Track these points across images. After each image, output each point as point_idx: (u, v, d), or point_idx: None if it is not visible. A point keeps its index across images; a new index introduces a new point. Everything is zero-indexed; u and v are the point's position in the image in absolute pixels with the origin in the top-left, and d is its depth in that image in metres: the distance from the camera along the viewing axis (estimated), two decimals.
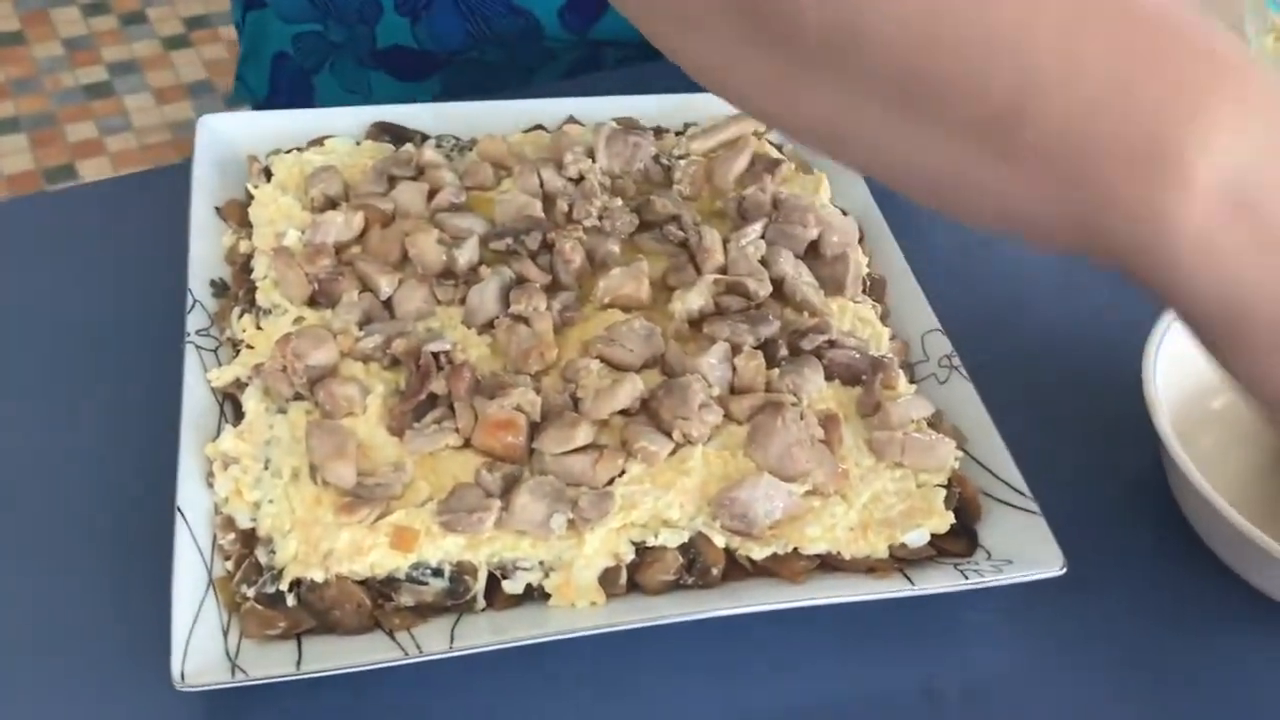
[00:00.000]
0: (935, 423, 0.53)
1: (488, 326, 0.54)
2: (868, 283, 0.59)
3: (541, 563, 0.47)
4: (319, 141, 0.63)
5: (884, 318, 0.58)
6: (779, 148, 0.66)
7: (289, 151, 0.62)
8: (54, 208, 0.70)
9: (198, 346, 0.52)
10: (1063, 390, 0.60)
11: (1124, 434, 0.56)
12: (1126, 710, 0.49)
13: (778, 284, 0.56)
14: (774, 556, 0.48)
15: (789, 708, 0.47)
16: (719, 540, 0.48)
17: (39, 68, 2.47)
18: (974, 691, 0.48)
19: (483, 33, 0.71)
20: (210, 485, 0.48)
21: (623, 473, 0.49)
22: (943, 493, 0.50)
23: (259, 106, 0.81)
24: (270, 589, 0.45)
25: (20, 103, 2.38)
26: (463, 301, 0.54)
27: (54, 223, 0.64)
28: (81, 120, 2.38)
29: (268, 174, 0.60)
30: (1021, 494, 0.51)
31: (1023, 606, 0.51)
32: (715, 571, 0.48)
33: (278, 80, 0.79)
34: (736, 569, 0.48)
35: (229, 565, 0.46)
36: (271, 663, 0.44)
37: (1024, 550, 0.49)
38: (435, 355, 0.50)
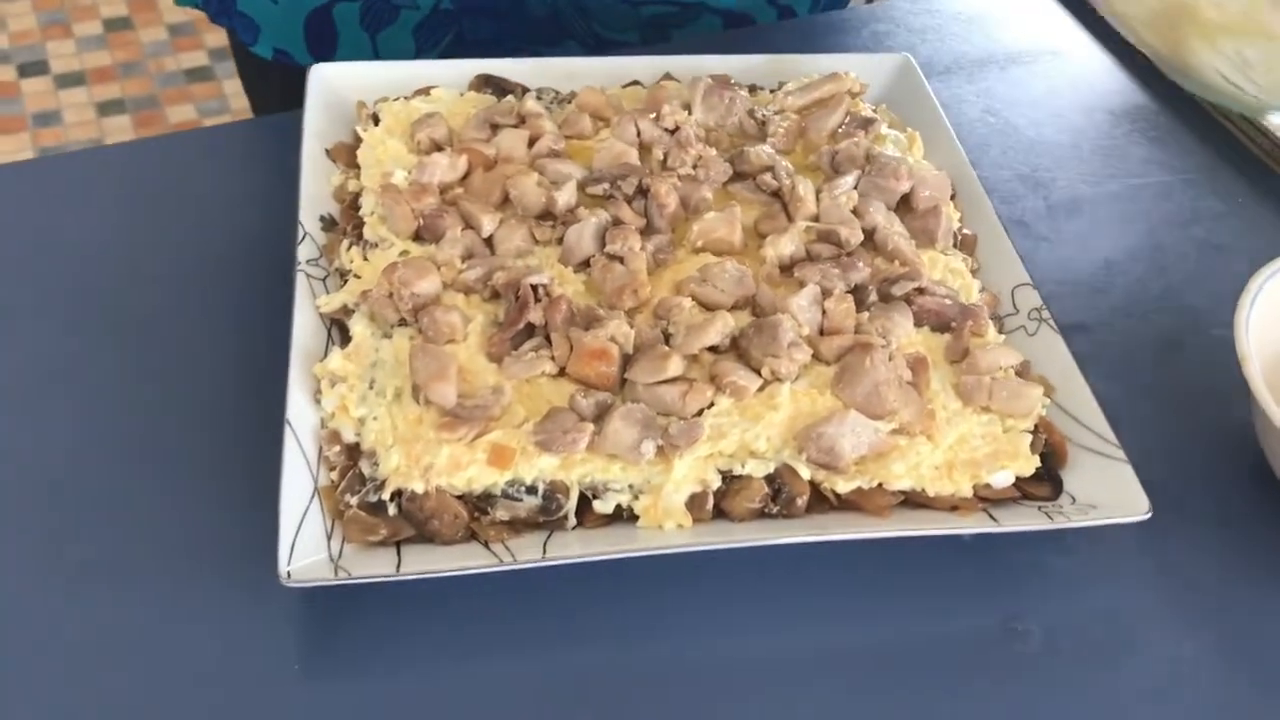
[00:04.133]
0: (1023, 371, 0.54)
1: (584, 265, 0.55)
2: (959, 238, 0.60)
3: (631, 486, 0.48)
4: (424, 91, 0.65)
5: (975, 272, 0.59)
6: (874, 108, 0.66)
7: (396, 100, 0.64)
8: (176, 148, 0.73)
9: (307, 275, 0.55)
10: (1152, 350, 0.60)
11: (1212, 393, 0.57)
12: (1208, 659, 0.49)
13: (869, 234, 0.57)
14: (859, 491, 0.49)
15: (870, 642, 0.48)
16: (804, 472, 0.49)
17: (144, 52, 2.55)
18: (1056, 633, 0.49)
19: None
20: (318, 402, 0.50)
21: (711, 405, 0.50)
22: (1029, 437, 0.51)
23: (201, 9, 0.82)
24: (372, 498, 0.47)
25: (126, 85, 2.47)
26: (560, 241, 0.56)
27: (176, 162, 0.67)
28: (182, 103, 2.45)
29: (375, 119, 0.63)
30: (1108, 441, 0.51)
31: (1106, 554, 0.52)
32: (800, 502, 0.49)
33: None
34: (821, 502, 0.49)
35: (334, 476, 0.48)
36: (373, 566, 0.45)
37: (1109, 496, 0.50)
38: (534, 288, 0.52)
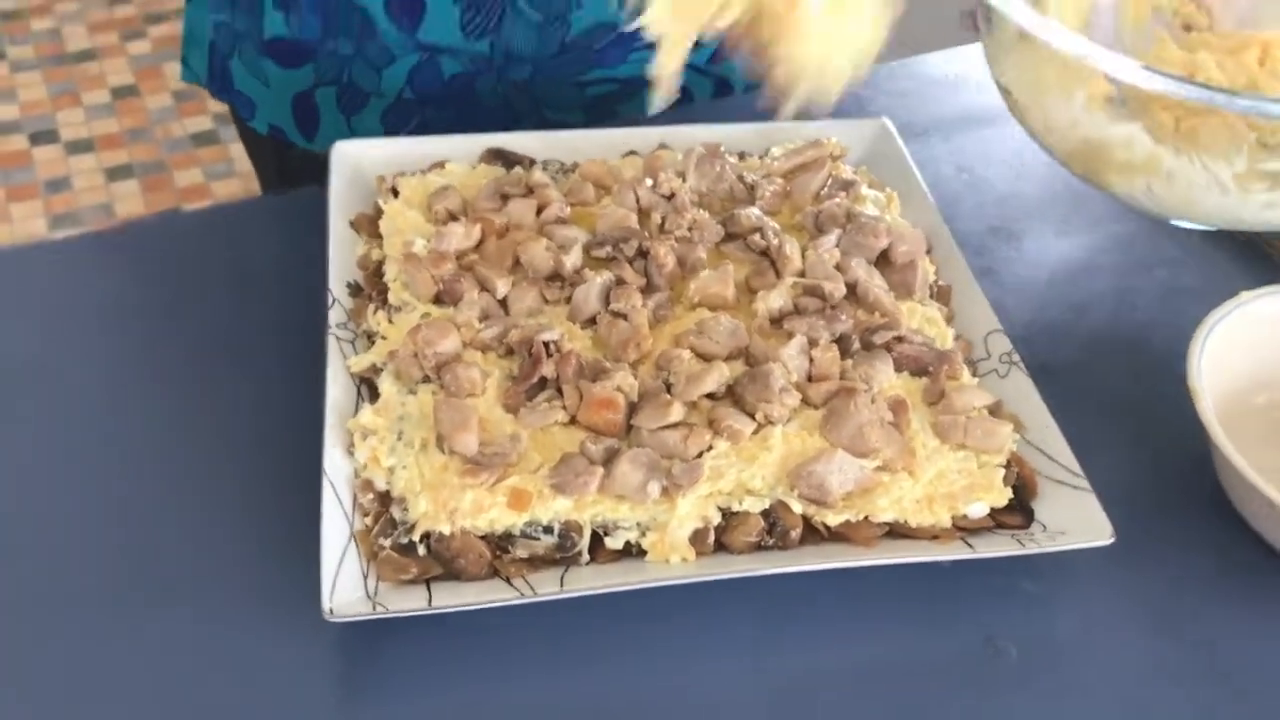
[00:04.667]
0: (995, 410, 0.58)
1: (590, 322, 0.60)
2: (934, 289, 0.65)
3: (639, 524, 0.53)
4: (439, 165, 0.70)
5: (949, 320, 0.64)
6: (854, 170, 0.72)
7: (413, 174, 0.69)
8: (200, 223, 0.78)
9: (338, 338, 0.60)
10: (1117, 388, 0.65)
11: (1173, 428, 0.61)
12: (1173, 671, 0.53)
13: (851, 287, 0.62)
14: (847, 523, 0.54)
15: (858, 661, 0.53)
16: (797, 507, 0.53)
17: (151, 118, 2.62)
18: (1032, 649, 0.53)
19: (332, 24, 0.79)
20: (351, 454, 0.55)
21: (710, 448, 0.55)
22: (1001, 471, 0.56)
23: (204, 87, 0.89)
24: (404, 540, 0.52)
25: (133, 150, 2.53)
26: (569, 300, 0.61)
27: (202, 236, 0.73)
28: (189, 167, 2.52)
29: (395, 192, 0.68)
30: (1074, 473, 0.56)
31: (1077, 579, 0.56)
32: (794, 535, 0.53)
33: (212, 64, 0.87)
34: (813, 534, 0.54)
35: (368, 521, 0.53)
36: (406, 602, 0.50)
37: (1076, 523, 0.54)
38: (546, 344, 0.57)
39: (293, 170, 0.87)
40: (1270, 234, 0.73)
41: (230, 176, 2.48)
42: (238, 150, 2.72)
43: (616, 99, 0.85)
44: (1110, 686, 0.52)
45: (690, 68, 0.84)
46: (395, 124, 0.84)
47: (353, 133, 0.85)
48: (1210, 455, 0.58)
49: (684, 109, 0.84)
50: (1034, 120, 0.67)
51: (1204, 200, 0.60)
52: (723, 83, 0.89)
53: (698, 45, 0.82)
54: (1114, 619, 0.55)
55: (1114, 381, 0.65)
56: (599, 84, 0.83)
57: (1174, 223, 0.67)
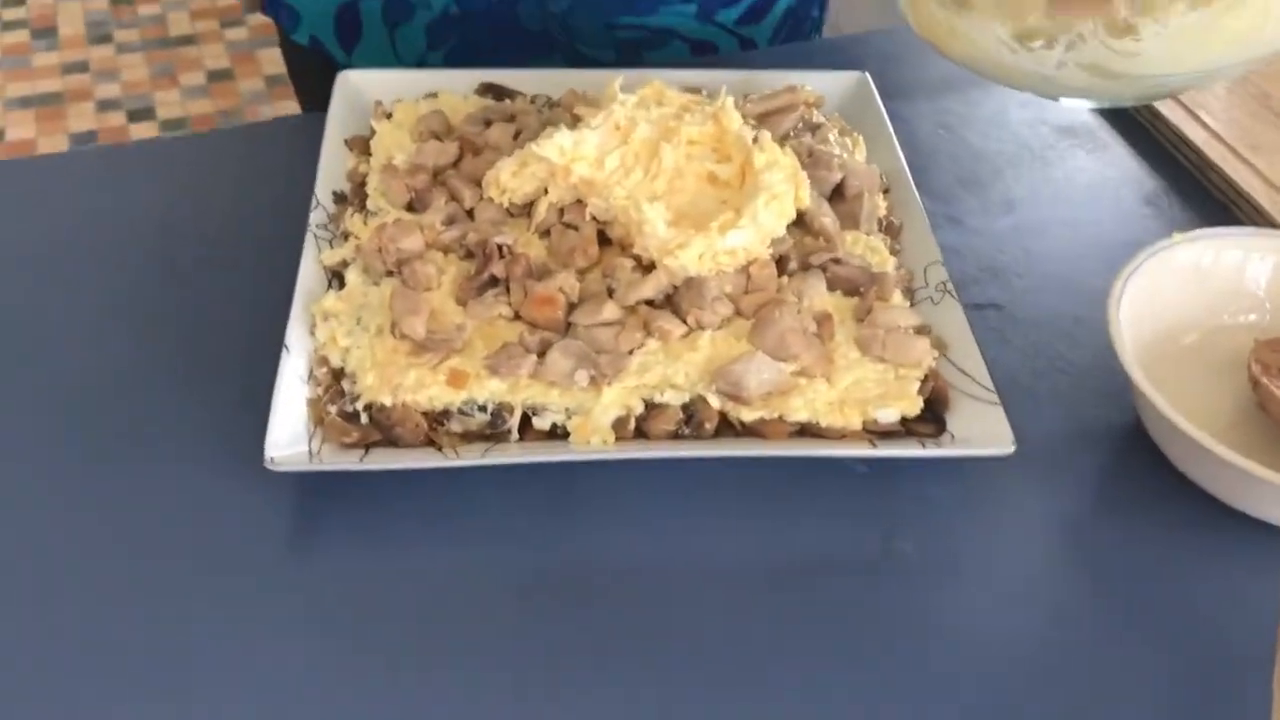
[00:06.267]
0: (922, 331, 0.61)
1: (546, 234, 0.65)
2: (884, 223, 0.68)
3: (566, 408, 0.57)
4: (434, 95, 0.75)
5: (896, 253, 0.67)
6: (827, 117, 0.75)
7: (408, 101, 0.74)
8: (220, 141, 0.85)
9: (316, 236, 0.65)
10: (1058, 325, 0.67)
11: (1105, 365, 0.63)
12: (1064, 573, 0.56)
13: (800, 215, 0.66)
14: (761, 421, 0.57)
15: (758, 550, 0.56)
16: (715, 402, 0.57)
17: (243, 101, 2.74)
18: (928, 549, 0.56)
19: None
20: (313, 333, 0.60)
21: (641, 345, 0.59)
22: (917, 383, 0.59)
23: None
24: (349, 409, 0.57)
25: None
26: (530, 215, 0.65)
27: (222, 152, 0.79)
28: None
29: (388, 116, 0.73)
30: (987, 389, 0.58)
31: (986, 490, 0.59)
32: (709, 427, 0.57)
33: None
34: (729, 429, 0.57)
35: (320, 391, 0.58)
36: (343, 460, 0.55)
37: (983, 433, 0.57)
38: (499, 246, 0.61)
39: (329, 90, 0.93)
40: (1227, 186, 0.75)
41: None
42: None
43: (645, 45, 0.89)
44: (1004, 583, 0.55)
45: (717, 25, 0.89)
46: (437, 38, 0.89)
47: (394, 48, 0.89)
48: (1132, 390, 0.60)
49: (719, 58, 0.89)
50: None
51: (1008, 64, 0.61)
52: (748, 42, 0.93)
53: (728, 5, 0.87)
54: (1016, 528, 0.58)
55: (1055, 321, 0.67)
56: (630, 29, 0.88)
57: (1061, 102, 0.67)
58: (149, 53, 2.88)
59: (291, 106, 2.86)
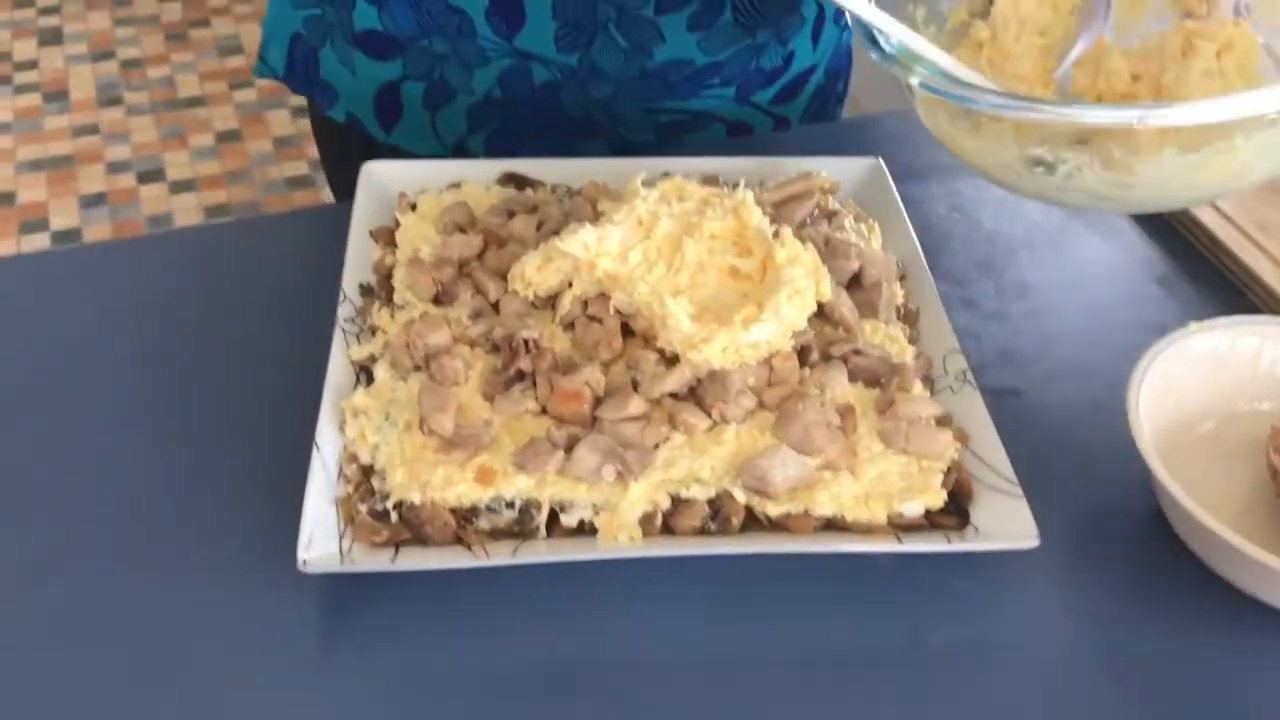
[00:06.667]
0: (943, 421, 0.62)
1: (570, 327, 0.66)
2: (901, 311, 0.69)
3: (594, 504, 0.58)
4: (458, 185, 0.77)
5: (914, 340, 0.68)
6: (842, 203, 0.76)
7: (433, 193, 0.76)
8: (248, 231, 0.86)
9: (344, 330, 0.66)
10: (1075, 414, 0.68)
11: (1125, 454, 0.63)
12: (1092, 671, 0.56)
13: (820, 305, 0.67)
14: (787, 515, 0.58)
15: (787, 646, 0.56)
16: (740, 497, 0.58)
17: (251, 162, 2.77)
18: (955, 644, 0.56)
19: (429, 23, 0.85)
20: (342, 430, 0.61)
21: (667, 439, 0.59)
22: (940, 475, 0.59)
23: (278, 80, 0.96)
24: (379, 507, 0.57)
25: (231, 191, 2.68)
26: (555, 307, 0.66)
27: (248, 243, 0.80)
28: (282, 208, 2.65)
29: (413, 207, 0.74)
30: (1010, 481, 0.59)
31: (1010, 583, 0.59)
32: (735, 522, 0.58)
33: (293, 57, 0.94)
34: (755, 524, 0.58)
35: (349, 489, 0.59)
36: (374, 560, 0.55)
37: (1007, 527, 0.58)
38: (525, 341, 0.62)
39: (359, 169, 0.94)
40: (1239, 269, 0.76)
41: None
42: (329, 195, 2.86)
43: (686, 128, 0.91)
44: (1031, 680, 0.55)
45: (753, 105, 0.90)
46: (478, 122, 0.90)
47: (435, 130, 0.91)
48: (1153, 483, 0.61)
49: (743, 140, 0.91)
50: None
51: (1015, 180, 0.63)
52: (781, 121, 0.94)
53: (764, 87, 0.89)
54: (1041, 620, 0.58)
55: (1074, 407, 0.68)
56: (671, 113, 0.90)
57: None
58: (158, 114, 2.92)
59: (299, 168, 2.89)
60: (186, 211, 2.62)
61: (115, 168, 2.73)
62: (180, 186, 2.69)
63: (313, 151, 2.78)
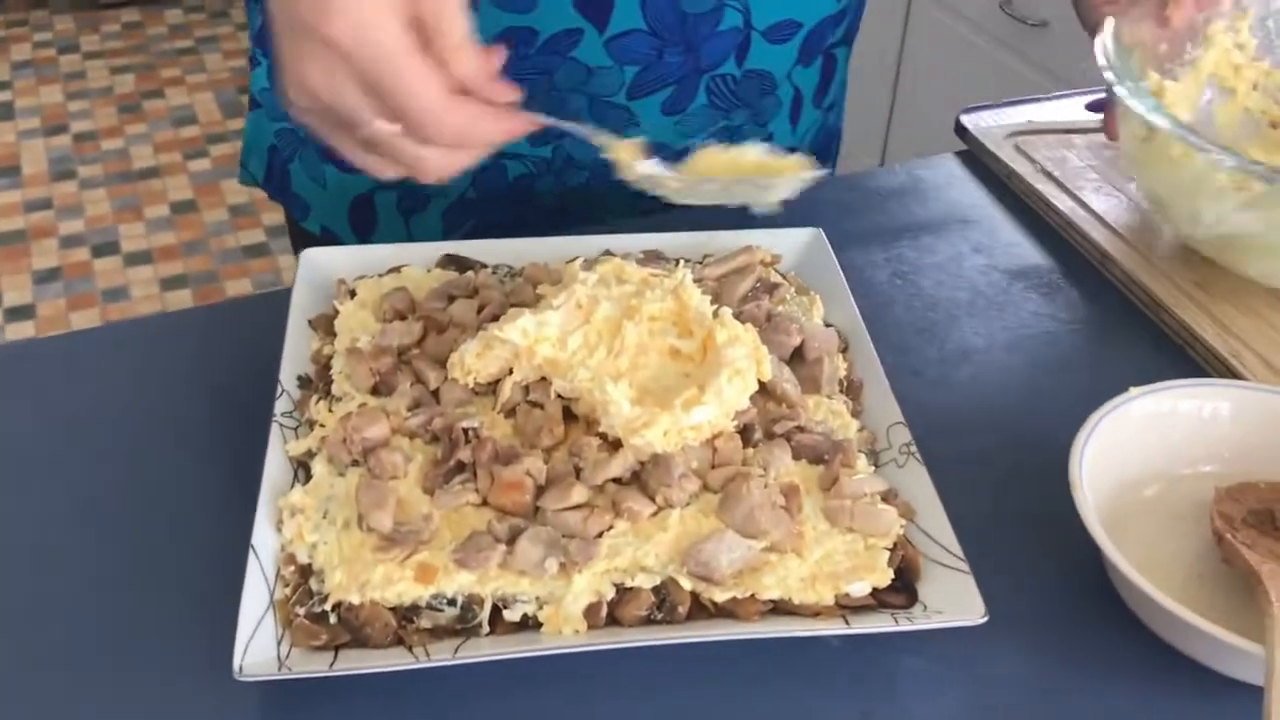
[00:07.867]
0: (888, 498, 0.62)
1: (511, 413, 0.65)
2: (845, 384, 0.69)
3: (537, 597, 0.57)
4: (397, 270, 0.76)
5: (858, 414, 0.67)
6: (783, 275, 0.76)
7: (371, 277, 0.75)
8: (186, 323, 0.85)
9: (281, 425, 0.65)
10: (1020, 482, 0.67)
11: (1067, 518, 0.64)
12: None
13: (762, 383, 0.66)
14: (734, 600, 0.57)
15: None
16: (686, 584, 0.57)
17: (207, 231, 2.76)
18: None
19: None
20: (279, 530, 0.60)
21: (611, 528, 0.59)
22: (886, 554, 0.59)
23: (261, 188, 0.96)
24: (317, 609, 0.56)
25: (189, 262, 2.66)
26: (495, 394, 0.66)
27: (185, 336, 0.79)
28: (239, 278, 2.64)
29: (352, 294, 0.74)
30: (956, 556, 0.59)
31: (959, 656, 0.59)
32: (682, 610, 0.57)
33: (270, 167, 0.94)
34: (701, 610, 0.57)
35: (287, 591, 0.57)
36: (313, 665, 0.54)
37: (954, 603, 0.57)
38: (465, 431, 0.62)
39: None
40: (1180, 327, 0.76)
41: (277, 285, 2.59)
42: (286, 261, 2.84)
43: (663, 206, 0.91)
44: None
45: None
46: (454, 222, 0.90)
47: (410, 235, 0.91)
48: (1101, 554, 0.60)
49: (685, 213, 0.91)
50: (1178, 217, 0.76)
51: None
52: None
53: None
54: (991, 694, 0.57)
55: (1019, 474, 0.68)
56: (648, 195, 0.90)
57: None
58: (112, 187, 2.91)
59: (255, 235, 2.87)
60: (142, 284, 2.61)
61: (69, 242, 2.71)
62: (136, 259, 2.67)
63: (269, 219, 2.78)
